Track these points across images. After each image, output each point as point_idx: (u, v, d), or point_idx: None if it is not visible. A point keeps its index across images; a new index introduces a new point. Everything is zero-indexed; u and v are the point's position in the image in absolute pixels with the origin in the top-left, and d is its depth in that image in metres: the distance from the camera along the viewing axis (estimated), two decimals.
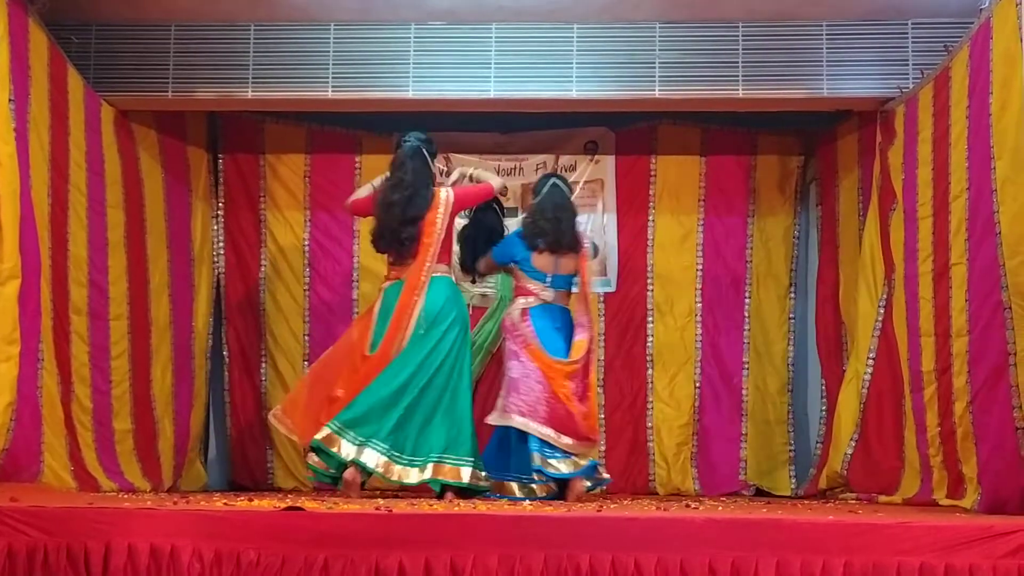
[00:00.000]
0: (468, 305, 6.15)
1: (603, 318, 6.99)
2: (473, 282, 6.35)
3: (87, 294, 5.65)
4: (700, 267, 6.99)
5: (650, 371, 6.96)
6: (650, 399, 6.94)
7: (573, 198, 6.02)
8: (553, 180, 5.95)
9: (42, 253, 5.14)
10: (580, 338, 5.69)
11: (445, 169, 7.04)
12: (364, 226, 6.96)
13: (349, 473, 5.18)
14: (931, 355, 5.30)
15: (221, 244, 7.05)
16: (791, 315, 7.02)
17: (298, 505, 4.02)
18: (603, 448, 6.85)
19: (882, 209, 5.99)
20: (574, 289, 5.86)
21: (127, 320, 6.03)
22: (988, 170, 4.63)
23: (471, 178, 5.94)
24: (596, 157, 7.09)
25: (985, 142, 4.68)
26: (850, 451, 6.02)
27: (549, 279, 5.78)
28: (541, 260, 5.77)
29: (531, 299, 5.76)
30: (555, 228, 5.76)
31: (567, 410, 5.51)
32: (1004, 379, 4.51)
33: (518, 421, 5.53)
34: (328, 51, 6.04)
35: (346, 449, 5.19)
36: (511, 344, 5.73)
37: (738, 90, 5.97)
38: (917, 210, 5.50)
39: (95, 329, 5.70)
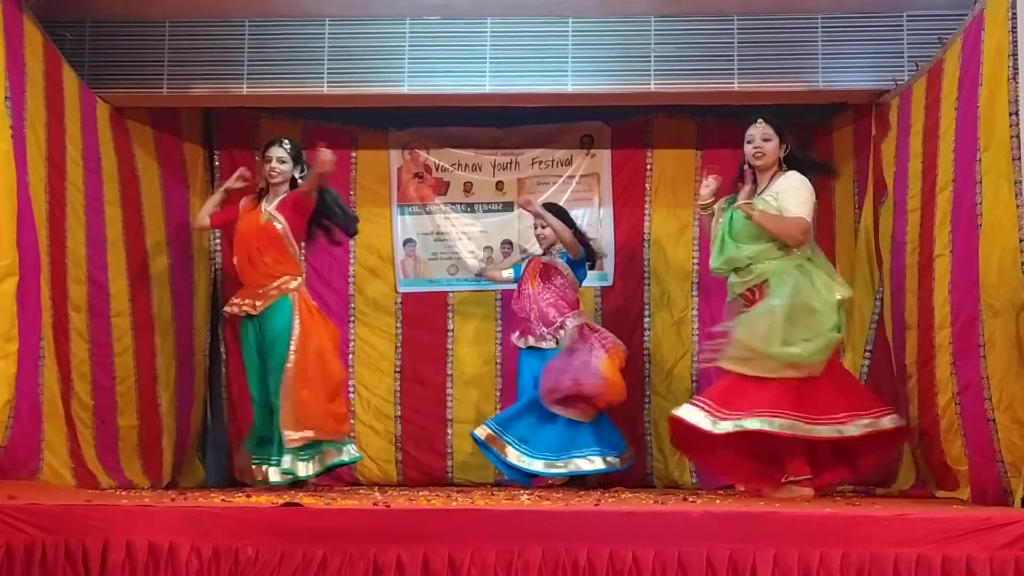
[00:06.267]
0: None
1: (600, 312, 7.00)
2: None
3: (86, 291, 5.65)
4: (696, 260, 6.98)
5: (647, 365, 6.96)
6: (647, 393, 6.94)
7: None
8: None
9: (41, 251, 5.14)
10: None
11: (437, 163, 7.06)
12: (361, 222, 6.97)
13: None
14: (914, 347, 5.32)
15: (218, 240, 7.04)
16: None
17: (296, 501, 4.02)
18: None
19: (874, 202, 5.99)
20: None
21: (129, 317, 6.04)
22: (974, 161, 4.62)
23: None
24: (592, 151, 7.08)
25: (972, 134, 4.66)
26: None
27: None
28: None
29: None
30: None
31: None
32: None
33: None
34: (323, 46, 6.04)
35: None
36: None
37: (733, 83, 5.98)
38: (907, 202, 5.51)
39: (95, 326, 5.70)
